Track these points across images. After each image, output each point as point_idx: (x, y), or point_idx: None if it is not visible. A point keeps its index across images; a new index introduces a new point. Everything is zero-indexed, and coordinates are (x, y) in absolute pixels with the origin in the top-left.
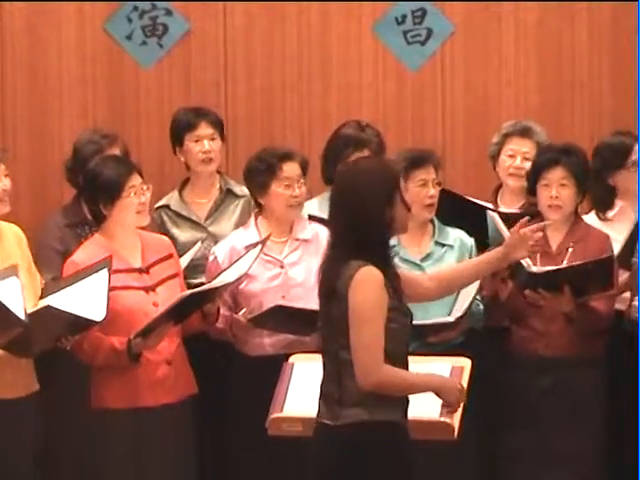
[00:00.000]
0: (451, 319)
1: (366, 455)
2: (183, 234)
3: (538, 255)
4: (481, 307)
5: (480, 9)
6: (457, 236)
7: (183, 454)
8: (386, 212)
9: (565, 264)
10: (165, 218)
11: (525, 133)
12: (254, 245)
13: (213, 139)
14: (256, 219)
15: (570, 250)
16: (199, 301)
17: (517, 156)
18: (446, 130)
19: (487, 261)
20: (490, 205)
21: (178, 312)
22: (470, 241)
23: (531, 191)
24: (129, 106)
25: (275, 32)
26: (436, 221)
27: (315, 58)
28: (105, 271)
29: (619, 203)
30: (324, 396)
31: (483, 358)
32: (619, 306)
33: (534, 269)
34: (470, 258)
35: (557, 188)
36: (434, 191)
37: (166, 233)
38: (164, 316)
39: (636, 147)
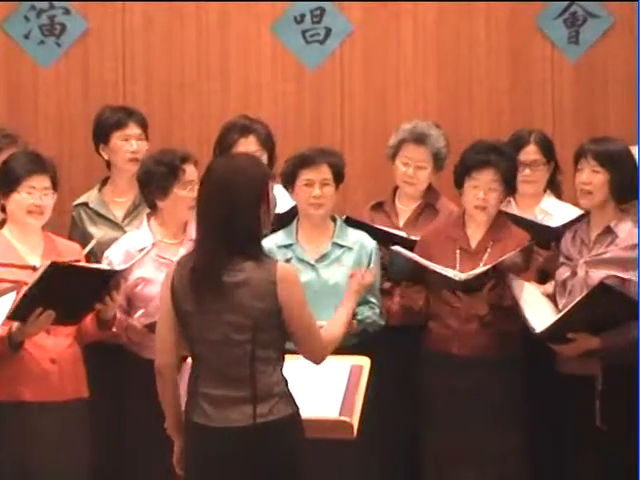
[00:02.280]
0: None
1: (292, 448)
2: (100, 233)
3: (458, 252)
4: (377, 310)
5: (379, 8)
6: (358, 238)
7: (71, 453)
8: (261, 209)
9: (485, 267)
10: (84, 216)
11: (421, 140)
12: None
13: (141, 139)
14: (149, 221)
15: (489, 250)
16: (78, 285)
17: (411, 165)
18: (345, 129)
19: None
20: (400, 233)
21: (53, 297)
22: (371, 245)
23: (457, 185)
24: (27, 105)
25: (174, 31)
26: (338, 221)
27: (214, 57)
28: (13, 294)
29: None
30: (224, 400)
31: (401, 356)
32: None
33: (463, 276)
34: (369, 262)
35: (486, 191)
36: (319, 191)
37: (83, 231)
38: (31, 291)
39: (528, 148)
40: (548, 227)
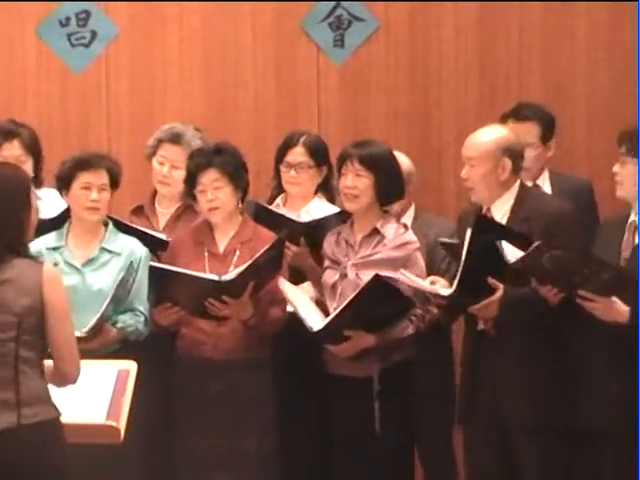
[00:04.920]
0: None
1: (57, 452)
2: None
3: (206, 256)
4: (142, 318)
5: (145, 12)
6: (127, 245)
7: None
8: (24, 215)
9: (244, 265)
10: None
11: (176, 140)
12: None
13: None
14: None
15: (237, 252)
16: None
17: (166, 164)
18: (111, 133)
19: None
20: (160, 235)
21: None
22: (142, 251)
23: (191, 196)
24: None
25: None
26: (110, 226)
27: None
28: None
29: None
30: None
31: (155, 360)
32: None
33: (228, 277)
34: (138, 269)
35: (212, 191)
36: (97, 195)
37: None
38: None
39: (295, 150)
40: (295, 222)
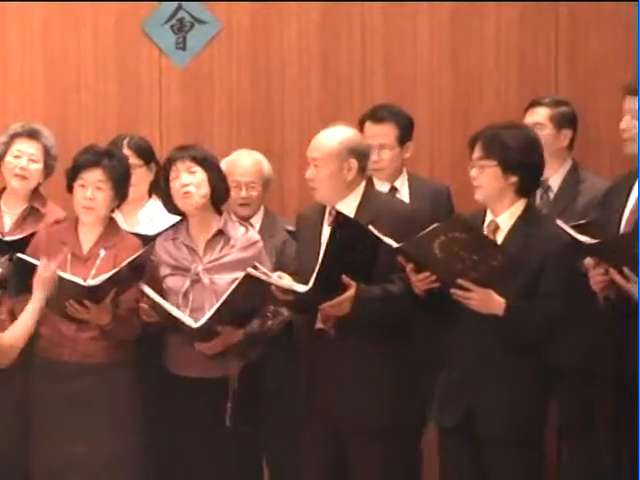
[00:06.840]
0: None
1: None
2: None
3: (69, 258)
4: None
5: None
6: None
7: None
8: None
9: (110, 272)
10: None
11: (33, 135)
12: None
13: None
14: None
15: (101, 255)
16: None
17: (23, 157)
18: None
19: None
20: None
21: None
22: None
23: (69, 189)
24: None
25: None
26: None
27: None
28: None
29: None
30: None
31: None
32: None
33: (93, 282)
34: None
35: (93, 190)
36: None
37: None
38: None
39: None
40: (150, 236)
